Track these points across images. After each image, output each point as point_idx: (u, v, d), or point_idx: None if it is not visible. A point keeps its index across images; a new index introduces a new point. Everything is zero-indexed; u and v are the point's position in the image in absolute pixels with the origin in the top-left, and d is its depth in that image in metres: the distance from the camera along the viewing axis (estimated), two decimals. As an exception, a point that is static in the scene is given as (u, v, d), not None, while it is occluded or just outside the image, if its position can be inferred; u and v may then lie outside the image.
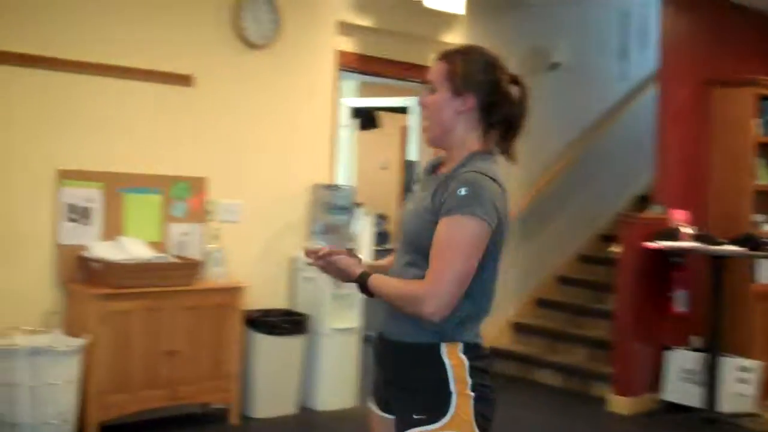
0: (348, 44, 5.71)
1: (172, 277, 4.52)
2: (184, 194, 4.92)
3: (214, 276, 4.83)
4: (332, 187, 5.46)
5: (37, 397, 3.98)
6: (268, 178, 5.30)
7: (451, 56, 2.24)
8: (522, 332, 6.78)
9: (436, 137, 2.26)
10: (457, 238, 2.06)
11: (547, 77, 6.84)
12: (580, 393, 6.00)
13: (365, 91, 8.36)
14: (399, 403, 2.22)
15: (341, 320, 5.25)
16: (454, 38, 6.10)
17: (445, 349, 2.15)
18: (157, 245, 4.73)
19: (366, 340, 5.37)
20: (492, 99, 2.21)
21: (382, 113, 9.32)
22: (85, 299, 4.32)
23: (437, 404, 2.12)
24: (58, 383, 4.03)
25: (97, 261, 4.36)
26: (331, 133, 5.64)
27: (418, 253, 2.15)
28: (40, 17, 4.38)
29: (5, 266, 4.31)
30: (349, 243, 5.40)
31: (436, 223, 2.10)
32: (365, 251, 5.51)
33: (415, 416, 2.14)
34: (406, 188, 7.06)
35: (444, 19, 6.02)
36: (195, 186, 4.96)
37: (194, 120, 4.98)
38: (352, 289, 5.22)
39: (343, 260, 2.23)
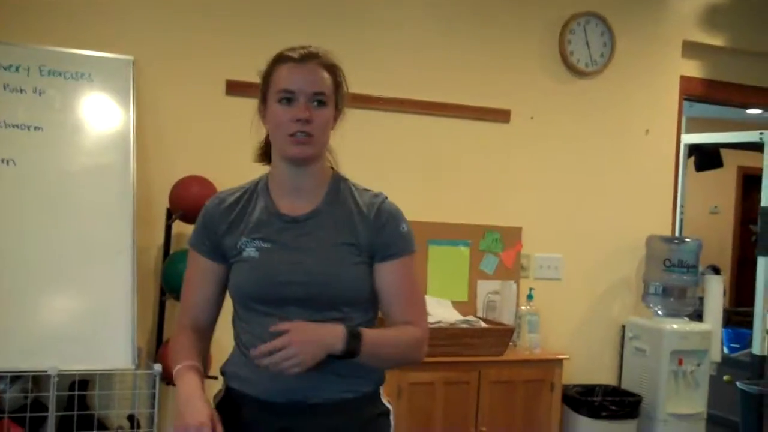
0: (693, 68, 4.78)
1: (481, 346, 3.86)
2: (496, 247, 4.27)
3: (529, 345, 4.10)
4: (673, 240, 4.54)
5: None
6: (593, 228, 4.51)
7: (334, 67, 1.92)
8: None
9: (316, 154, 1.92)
10: (415, 278, 1.98)
11: None
12: None
13: (694, 125, 7.37)
14: None
15: (682, 403, 4.29)
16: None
17: (382, 393, 1.99)
18: (463, 306, 4.11)
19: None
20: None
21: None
22: (382, 367, 3.80)
23: None
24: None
25: (397, 323, 3.82)
26: (672, 176, 4.74)
27: (349, 308, 1.88)
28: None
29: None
30: (691, 309, 4.46)
31: (367, 265, 1.90)
32: (714, 321, 4.50)
33: None
34: (761, 238, 5.88)
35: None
36: (508, 237, 4.29)
37: (509, 161, 4.34)
38: (693, 365, 4.45)
39: (310, 327, 1.79)
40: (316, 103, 1.85)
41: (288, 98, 1.84)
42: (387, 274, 1.92)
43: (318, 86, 1.85)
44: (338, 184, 1.98)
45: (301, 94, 1.84)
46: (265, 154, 2.01)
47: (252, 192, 1.98)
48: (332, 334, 1.78)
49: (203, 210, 1.99)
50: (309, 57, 1.87)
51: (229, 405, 1.92)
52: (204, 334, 1.98)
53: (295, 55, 1.87)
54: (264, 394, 1.86)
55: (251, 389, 1.88)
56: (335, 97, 1.91)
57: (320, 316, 1.84)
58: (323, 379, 1.85)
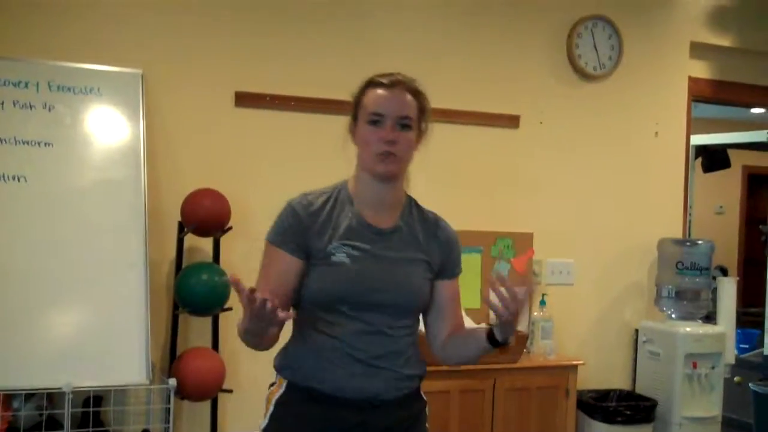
0: (701, 69, 4.77)
1: (496, 353, 3.83)
2: (508, 253, 4.24)
3: (543, 351, 4.08)
4: (685, 243, 4.52)
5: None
6: (604, 232, 4.49)
7: (419, 93, 2.10)
8: None
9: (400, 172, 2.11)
10: None
11: None
12: None
13: (698, 126, 7.37)
14: None
15: (697, 407, 4.27)
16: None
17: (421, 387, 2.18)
18: (475, 313, 4.06)
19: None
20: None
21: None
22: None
23: None
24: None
25: (410, 332, 3.81)
26: (683, 177, 4.72)
27: (415, 316, 2.13)
28: (365, 67, 3.95)
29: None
30: (705, 311, 4.44)
31: (430, 281, 2.12)
32: (727, 324, 4.48)
33: None
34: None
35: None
36: (520, 243, 4.26)
37: (519, 166, 4.32)
38: (708, 368, 4.42)
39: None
40: (400, 126, 2.02)
41: (376, 120, 2.02)
42: (449, 289, 2.16)
43: (404, 111, 2.03)
44: (410, 202, 2.18)
45: (389, 118, 2.02)
46: None
47: (336, 198, 2.11)
48: None
49: (290, 209, 2.06)
50: (397, 83, 2.06)
51: (294, 401, 2.03)
52: None
53: (385, 80, 2.06)
54: (340, 391, 1.99)
55: (324, 386, 1.99)
56: (419, 121, 2.08)
57: (397, 323, 2.04)
58: (394, 378, 2.04)
